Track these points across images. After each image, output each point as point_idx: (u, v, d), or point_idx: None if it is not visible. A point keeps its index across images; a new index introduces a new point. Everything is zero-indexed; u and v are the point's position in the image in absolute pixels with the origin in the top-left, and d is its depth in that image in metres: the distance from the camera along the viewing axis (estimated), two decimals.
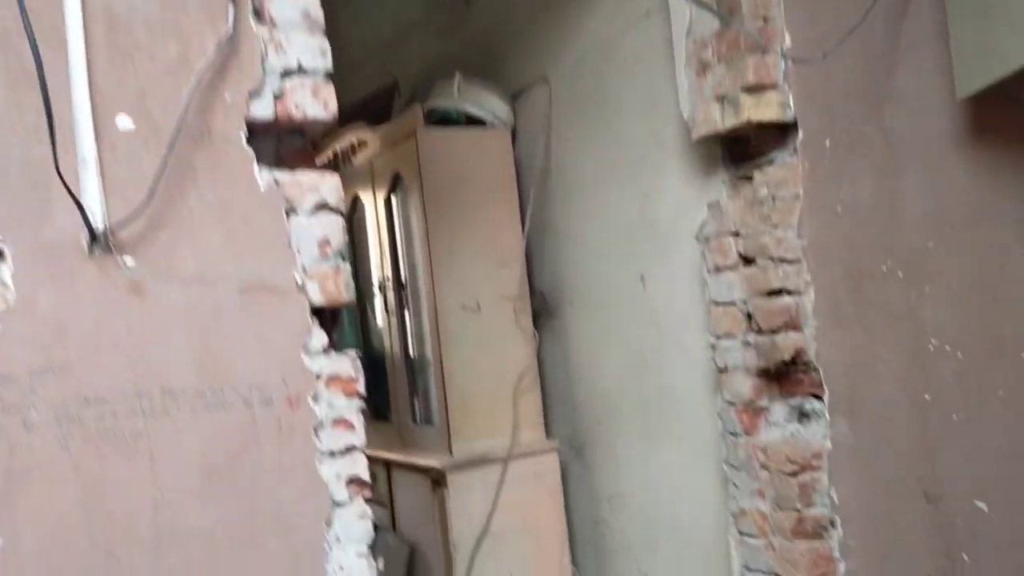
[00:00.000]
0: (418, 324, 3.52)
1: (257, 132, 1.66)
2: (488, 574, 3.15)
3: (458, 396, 3.24)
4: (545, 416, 3.44)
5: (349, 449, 1.65)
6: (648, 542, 3.12)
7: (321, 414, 1.63)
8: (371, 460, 3.69)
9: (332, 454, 1.64)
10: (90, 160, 1.49)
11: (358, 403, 1.67)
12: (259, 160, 1.63)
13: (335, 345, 1.69)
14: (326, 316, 1.70)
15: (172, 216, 1.54)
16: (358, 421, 1.66)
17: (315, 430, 1.63)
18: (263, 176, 1.62)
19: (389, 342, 3.70)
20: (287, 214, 1.63)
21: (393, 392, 3.71)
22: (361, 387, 1.67)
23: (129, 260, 1.51)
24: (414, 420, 3.61)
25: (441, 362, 3.24)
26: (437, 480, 3.18)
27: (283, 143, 1.74)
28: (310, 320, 1.64)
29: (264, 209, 1.61)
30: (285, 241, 1.62)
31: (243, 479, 1.55)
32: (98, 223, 1.48)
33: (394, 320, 3.63)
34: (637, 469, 3.14)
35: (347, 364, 1.67)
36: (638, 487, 3.14)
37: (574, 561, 3.42)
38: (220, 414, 1.54)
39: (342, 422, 1.65)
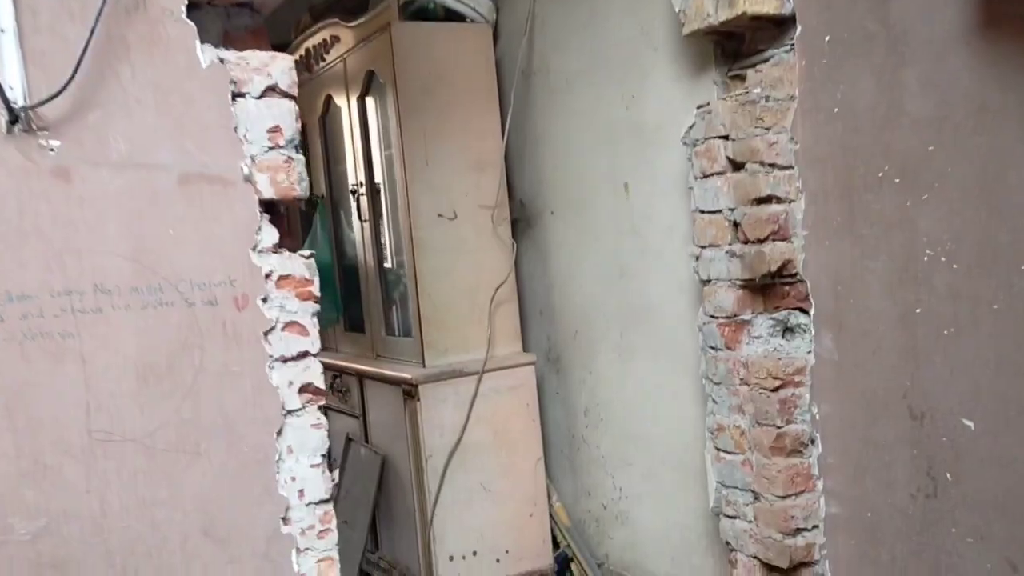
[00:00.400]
0: (395, 232, 3.39)
1: (200, 5, 1.50)
2: (460, 486, 3.11)
3: (432, 307, 3.15)
4: (522, 328, 3.36)
5: (302, 355, 1.54)
6: (624, 456, 3.07)
7: (272, 317, 1.52)
8: (344, 371, 3.64)
9: (284, 360, 1.53)
10: (8, 28, 1.34)
11: (313, 306, 1.55)
12: (204, 39, 1.48)
13: (290, 245, 1.56)
14: (279, 211, 1.57)
15: (102, 94, 1.39)
16: (312, 325, 1.55)
17: (265, 334, 1.51)
18: (205, 53, 1.47)
19: (363, 251, 3.57)
20: (233, 97, 1.49)
21: (367, 302, 3.61)
22: (316, 289, 1.56)
23: (54, 142, 1.36)
24: (388, 331, 3.52)
25: (415, 272, 3.13)
26: (409, 392, 3.11)
27: (231, 20, 1.59)
28: (259, 214, 1.51)
29: (206, 90, 1.46)
30: (230, 126, 1.48)
31: (185, 383, 1.44)
32: (17, 99, 1.34)
33: (368, 228, 3.50)
34: (614, 382, 3.07)
35: (300, 264, 1.54)
36: (615, 401, 3.08)
37: (549, 474, 3.38)
38: (158, 313, 1.42)
39: (294, 326, 1.53)
